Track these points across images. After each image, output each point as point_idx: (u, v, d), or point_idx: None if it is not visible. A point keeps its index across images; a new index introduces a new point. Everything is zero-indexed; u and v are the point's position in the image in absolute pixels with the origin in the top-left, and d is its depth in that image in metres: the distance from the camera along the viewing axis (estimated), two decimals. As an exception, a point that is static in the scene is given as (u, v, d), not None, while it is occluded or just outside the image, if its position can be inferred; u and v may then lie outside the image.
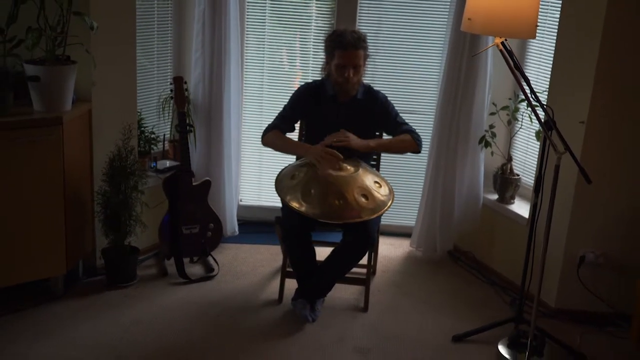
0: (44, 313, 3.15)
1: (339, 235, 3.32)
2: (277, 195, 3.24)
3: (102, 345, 2.93)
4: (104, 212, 3.34)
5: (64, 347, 2.90)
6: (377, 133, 3.54)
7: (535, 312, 2.82)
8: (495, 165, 3.88)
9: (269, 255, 3.94)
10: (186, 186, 3.63)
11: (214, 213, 3.76)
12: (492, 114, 3.82)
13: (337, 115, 3.37)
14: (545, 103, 3.18)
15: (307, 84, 3.53)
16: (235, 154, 4.02)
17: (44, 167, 3.06)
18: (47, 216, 3.12)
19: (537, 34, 2.82)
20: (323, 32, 3.97)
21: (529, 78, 2.88)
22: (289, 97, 3.50)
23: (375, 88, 3.48)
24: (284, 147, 3.40)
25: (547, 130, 2.73)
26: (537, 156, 3.50)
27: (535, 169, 3.58)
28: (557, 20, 3.35)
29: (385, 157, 3.77)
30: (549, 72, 3.41)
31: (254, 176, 4.37)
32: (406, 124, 3.44)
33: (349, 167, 3.19)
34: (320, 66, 3.49)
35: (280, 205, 3.35)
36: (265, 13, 4.11)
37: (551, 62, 3.39)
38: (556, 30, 3.36)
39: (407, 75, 4.10)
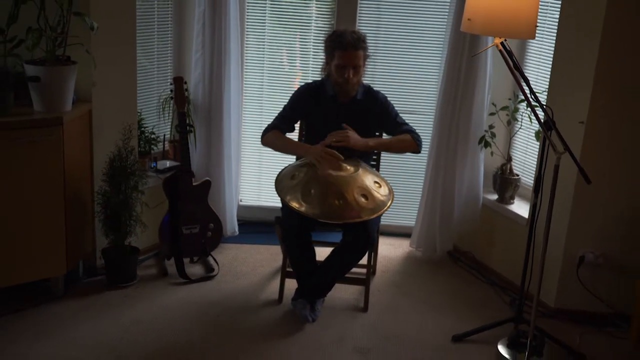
0: (44, 313, 3.15)
1: (339, 235, 3.33)
2: (277, 195, 3.24)
3: (102, 345, 2.94)
4: (104, 212, 3.35)
5: (64, 347, 2.90)
6: (377, 133, 3.54)
7: (535, 312, 2.83)
8: (495, 165, 3.88)
9: (269, 255, 3.94)
10: (186, 186, 3.64)
11: (214, 213, 3.76)
12: (492, 114, 3.82)
13: (337, 115, 3.37)
14: (544, 103, 3.19)
15: (307, 84, 3.53)
16: (235, 154, 4.02)
17: (44, 167, 3.06)
18: (48, 216, 3.13)
19: (536, 35, 2.82)
20: (323, 32, 3.97)
21: (529, 78, 2.89)
22: (289, 97, 3.50)
23: (375, 88, 3.49)
24: (283, 147, 3.40)
25: (547, 130, 2.73)
26: (536, 156, 3.51)
27: (534, 169, 3.58)
28: (557, 20, 3.35)
29: (385, 157, 3.77)
30: (549, 73, 3.41)
31: (254, 176, 4.37)
32: (406, 124, 3.45)
33: (348, 167, 3.19)
34: (320, 66, 3.50)
35: (280, 205, 3.35)
36: (265, 13, 4.11)
37: (551, 63, 3.39)
38: (556, 31, 3.37)
39: (406, 75, 4.11)
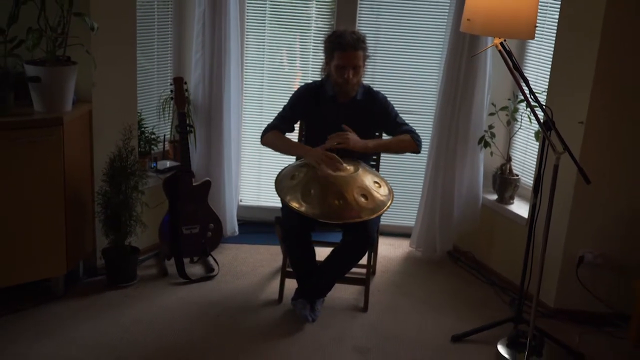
0: (45, 313, 3.16)
1: (339, 235, 3.33)
2: (277, 195, 3.25)
3: (102, 345, 2.94)
4: (105, 212, 3.35)
5: (64, 347, 2.90)
6: (377, 133, 3.55)
7: (535, 312, 2.83)
8: (495, 165, 3.89)
9: (269, 255, 3.95)
10: (186, 186, 3.64)
11: (214, 213, 3.76)
12: (492, 114, 3.82)
13: (337, 115, 3.38)
14: (544, 103, 3.19)
15: (306, 84, 3.54)
16: (235, 154, 4.03)
17: (44, 168, 3.06)
18: (48, 216, 3.13)
19: (536, 35, 2.83)
20: (323, 32, 3.97)
21: (528, 78, 2.88)
22: (288, 98, 3.51)
23: (375, 88, 3.49)
24: (283, 147, 3.40)
25: (546, 130, 2.73)
26: (536, 156, 3.51)
27: (534, 169, 3.58)
28: (556, 20, 3.35)
29: (385, 158, 3.77)
30: (548, 73, 3.42)
31: (254, 176, 4.38)
32: (406, 124, 3.45)
33: (348, 168, 3.20)
34: (320, 66, 3.50)
35: (280, 205, 3.35)
36: (265, 13, 4.11)
37: (550, 63, 3.39)
38: (555, 31, 3.37)
39: (406, 75, 4.11)
